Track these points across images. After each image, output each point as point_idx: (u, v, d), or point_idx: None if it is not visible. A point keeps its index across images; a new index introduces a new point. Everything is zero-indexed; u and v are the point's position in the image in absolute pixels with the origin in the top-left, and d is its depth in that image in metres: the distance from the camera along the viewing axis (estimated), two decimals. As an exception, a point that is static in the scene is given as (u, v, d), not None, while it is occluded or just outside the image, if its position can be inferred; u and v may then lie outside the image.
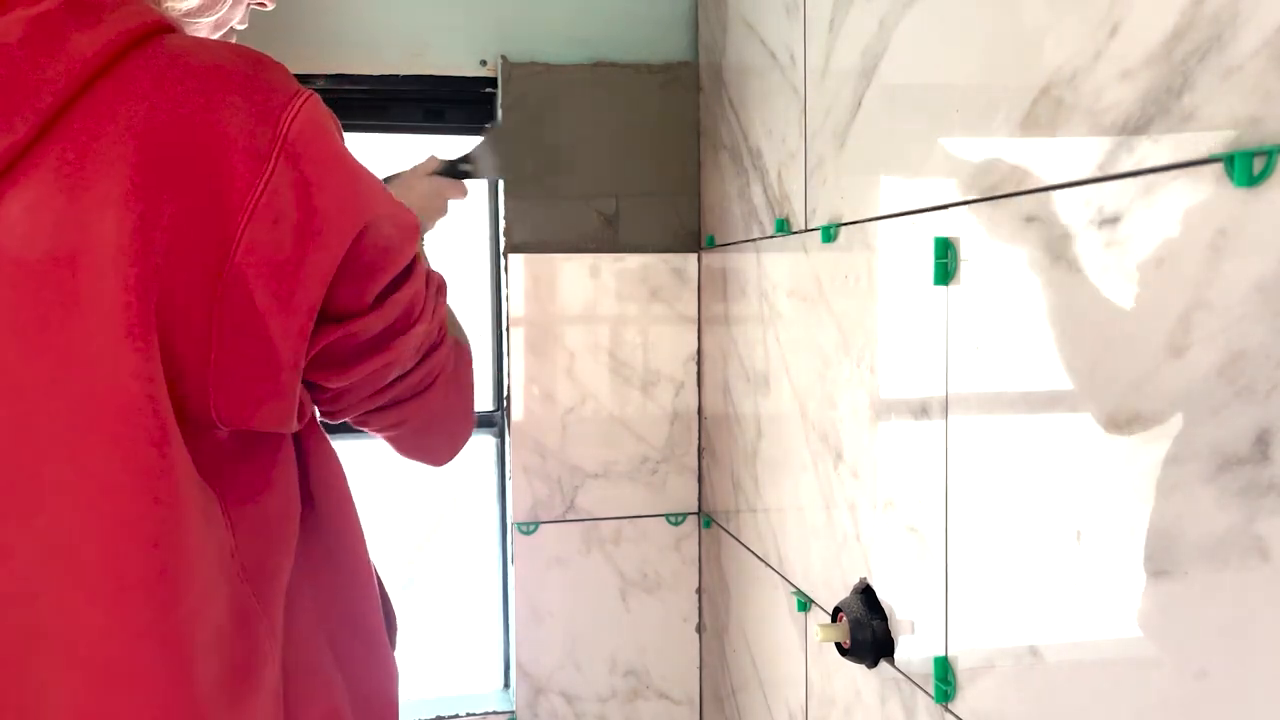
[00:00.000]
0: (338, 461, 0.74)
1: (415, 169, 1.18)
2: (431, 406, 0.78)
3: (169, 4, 0.67)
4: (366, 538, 0.77)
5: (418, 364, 0.74)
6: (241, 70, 0.59)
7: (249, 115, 0.57)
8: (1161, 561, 0.61)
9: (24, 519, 0.56)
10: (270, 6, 0.76)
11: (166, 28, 0.60)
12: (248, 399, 0.61)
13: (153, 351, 0.56)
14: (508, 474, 1.59)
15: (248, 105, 0.57)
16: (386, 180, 1.22)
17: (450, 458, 0.88)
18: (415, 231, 0.67)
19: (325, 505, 0.72)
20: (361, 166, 0.63)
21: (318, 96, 0.60)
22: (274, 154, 0.57)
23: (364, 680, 0.75)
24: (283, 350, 0.60)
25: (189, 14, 0.69)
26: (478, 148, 1.20)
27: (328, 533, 0.73)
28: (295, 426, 0.66)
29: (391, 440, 0.81)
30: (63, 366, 0.55)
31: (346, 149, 0.62)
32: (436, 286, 0.74)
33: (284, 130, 0.57)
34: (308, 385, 0.67)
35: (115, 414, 0.56)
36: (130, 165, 0.55)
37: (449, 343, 0.77)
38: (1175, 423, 0.60)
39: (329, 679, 0.72)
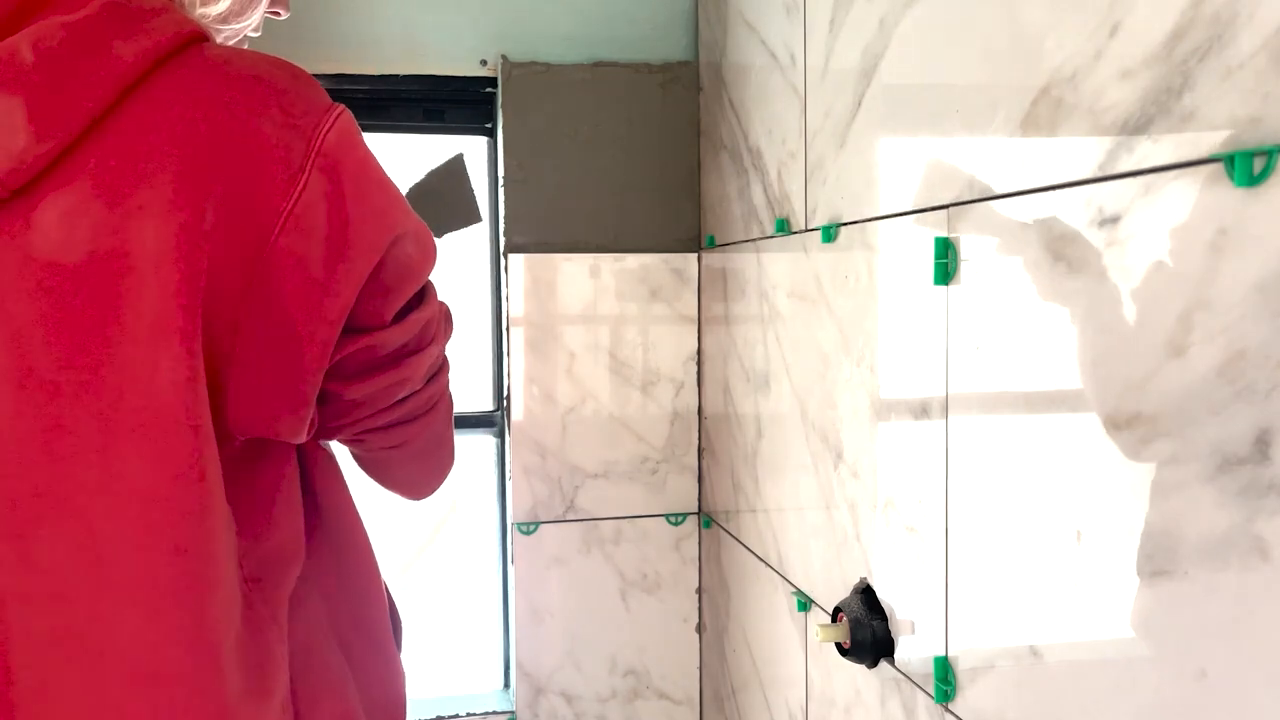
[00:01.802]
0: (339, 470, 0.75)
1: None
2: (432, 430, 0.79)
3: (201, 10, 0.67)
4: (372, 542, 0.77)
5: (424, 386, 0.74)
6: (278, 82, 0.59)
7: (285, 126, 0.58)
8: (1161, 561, 0.61)
9: (56, 522, 0.57)
10: (284, 15, 0.76)
11: (202, 37, 0.61)
12: (268, 407, 0.61)
13: (196, 358, 0.57)
14: (508, 474, 1.59)
15: (284, 117, 0.58)
16: None
17: (431, 491, 0.88)
18: (433, 251, 0.67)
19: (330, 512, 0.73)
20: (390, 181, 0.64)
21: (349, 111, 0.61)
22: (308, 166, 0.57)
23: (374, 683, 0.76)
24: (308, 358, 0.61)
25: (219, 19, 0.69)
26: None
27: (334, 539, 0.73)
28: (304, 437, 0.66)
29: (381, 462, 0.80)
30: (98, 371, 0.55)
31: (376, 162, 0.63)
32: (445, 314, 0.75)
33: (318, 144, 0.58)
34: (321, 395, 0.67)
35: (153, 420, 0.56)
36: (170, 174, 0.56)
37: (447, 371, 0.78)
38: (1175, 423, 0.60)
39: (342, 681, 0.72)
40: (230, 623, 0.61)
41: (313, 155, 0.58)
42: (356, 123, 0.61)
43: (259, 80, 0.59)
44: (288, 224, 0.57)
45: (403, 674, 0.80)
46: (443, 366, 0.77)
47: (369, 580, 0.76)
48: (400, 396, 0.72)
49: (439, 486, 0.88)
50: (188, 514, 0.58)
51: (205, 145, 0.56)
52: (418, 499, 0.88)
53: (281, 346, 0.59)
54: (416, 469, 0.83)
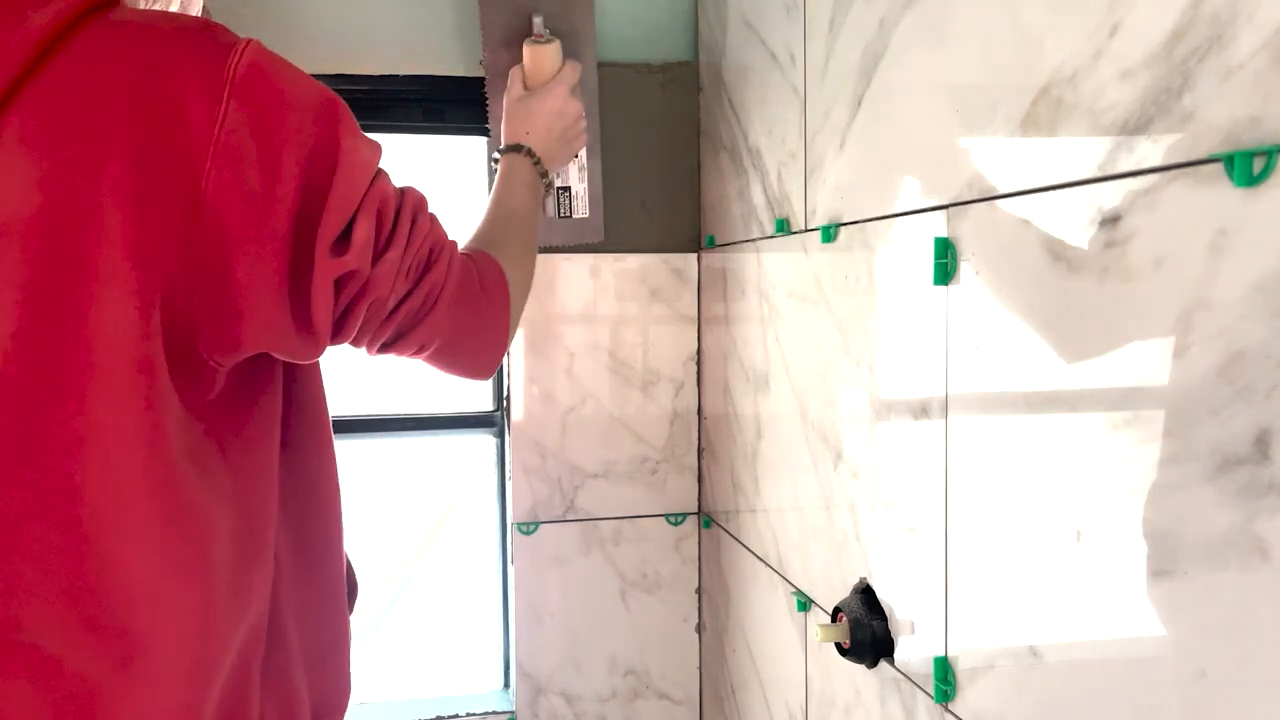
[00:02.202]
0: (324, 407, 0.78)
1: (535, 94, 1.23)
2: (442, 326, 0.81)
3: None
4: (342, 495, 0.80)
5: (413, 288, 0.76)
6: (183, 30, 0.63)
7: (197, 67, 0.61)
8: (1161, 561, 0.61)
9: (22, 474, 0.59)
10: None
11: (110, 2, 0.64)
12: (230, 327, 0.63)
13: (142, 298, 0.59)
14: (508, 474, 1.59)
15: (194, 59, 0.61)
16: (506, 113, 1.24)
17: (489, 370, 0.93)
18: (369, 166, 0.68)
19: (303, 451, 0.76)
20: (308, 90, 0.65)
21: (259, 41, 0.64)
22: (224, 97, 0.61)
23: (318, 633, 0.78)
24: (257, 274, 0.63)
25: None
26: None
27: (303, 480, 0.76)
28: (308, 351, 0.68)
29: (427, 361, 0.86)
30: (42, 322, 0.58)
31: (293, 76, 0.65)
32: (413, 206, 0.75)
33: (231, 75, 0.61)
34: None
35: (102, 363, 0.59)
36: (94, 128, 0.58)
37: (445, 260, 0.79)
38: (1175, 423, 0.60)
39: (284, 629, 0.75)
40: (217, 547, 0.65)
41: (227, 87, 0.61)
42: (267, 50, 0.64)
43: (163, 32, 0.62)
44: (216, 155, 0.60)
45: (348, 631, 0.82)
46: (433, 261, 0.78)
47: (330, 534, 0.79)
48: (389, 309, 0.74)
49: (494, 366, 0.93)
50: (155, 453, 0.61)
51: (124, 98, 0.59)
52: (478, 379, 0.94)
53: (232, 268, 0.62)
54: (456, 359, 0.88)
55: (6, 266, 0.57)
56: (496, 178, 1.15)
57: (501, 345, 0.92)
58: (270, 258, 0.63)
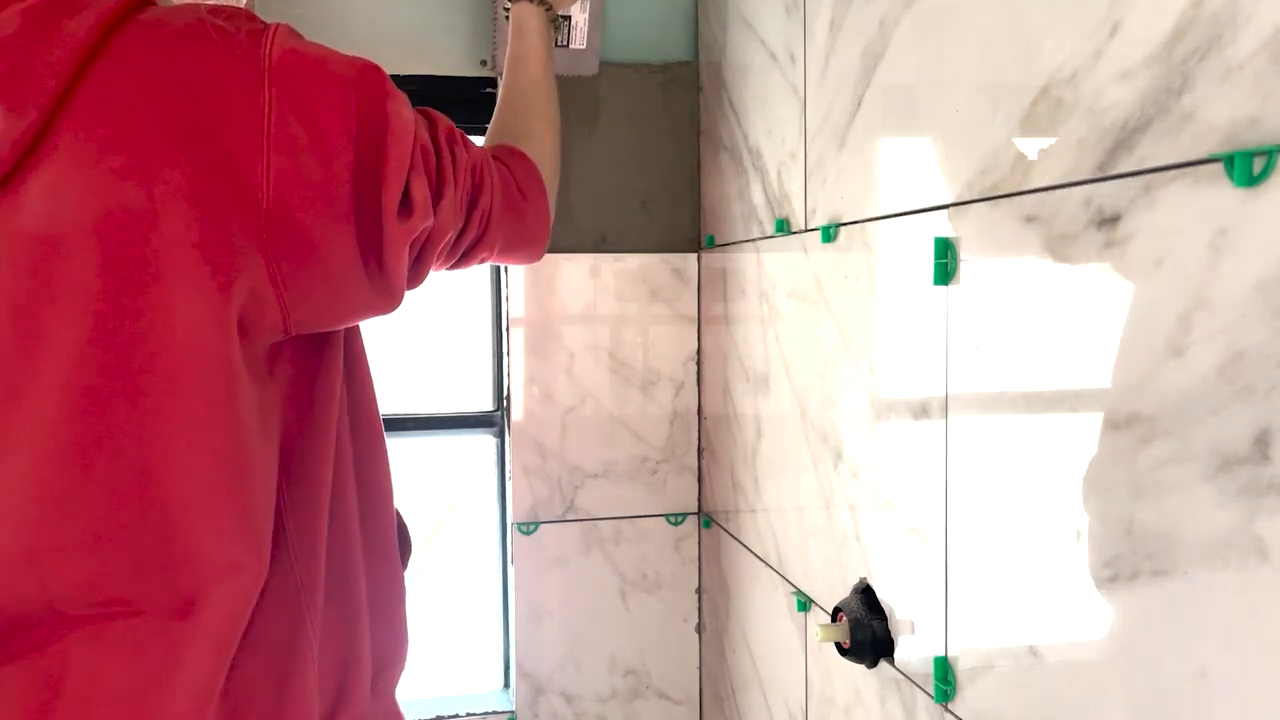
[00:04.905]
0: (367, 366, 0.82)
1: None
2: (495, 239, 0.89)
3: None
4: (388, 454, 0.83)
5: (467, 220, 0.82)
6: (213, 25, 0.63)
7: (233, 61, 0.62)
8: (1161, 561, 0.61)
9: (95, 472, 0.60)
10: None
11: (145, 2, 0.64)
12: (317, 306, 0.66)
13: (214, 295, 0.60)
14: (508, 474, 1.59)
15: (230, 52, 0.62)
16: None
17: (540, 255, 1.03)
18: (411, 124, 0.70)
19: (353, 413, 0.79)
20: (348, 73, 0.66)
21: (285, 24, 0.65)
22: (264, 85, 0.61)
23: (375, 589, 0.80)
24: (335, 254, 0.65)
25: None
26: None
27: (355, 442, 0.79)
28: (389, 307, 0.71)
29: (486, 262, 0.95)
30: (111, 327, 0.59)
31: (329, 60, 0.66)
32: (446, 139, 0.77)
33: (267, 64, 0.62)
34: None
35: (178, 361, 0.60)
36: (142, 135, 0.59)
37: (489, 183, 0.84)
38: (1175, 423, 0.60)
39: (345, 587, 0.76)
40: (266, 515, 0.67)
41: (266, 76, 0.61)
42: (294, 31, 0.65)
43: (195, 30, 0.63)
44: (269, 148, 0.61)
45: (403, 589, 0.84)
46: (479, 189, 0.83)
47: (381, 485, 0.81)
48: (448, 241, 0.78)
49: (542, 251, 1.03)
50: (229, 438, 0.63)
51: (167, 100, 0.60)
52: (531, 263, 1.08)
53: (310, 254, 0.63)
54: (509, 257, 0.98)
55: (72, 278, 0.58)
56: (510, 34, 1.18)
57: (546, 232, 1.01)
58: (342, 235, 0.64)
